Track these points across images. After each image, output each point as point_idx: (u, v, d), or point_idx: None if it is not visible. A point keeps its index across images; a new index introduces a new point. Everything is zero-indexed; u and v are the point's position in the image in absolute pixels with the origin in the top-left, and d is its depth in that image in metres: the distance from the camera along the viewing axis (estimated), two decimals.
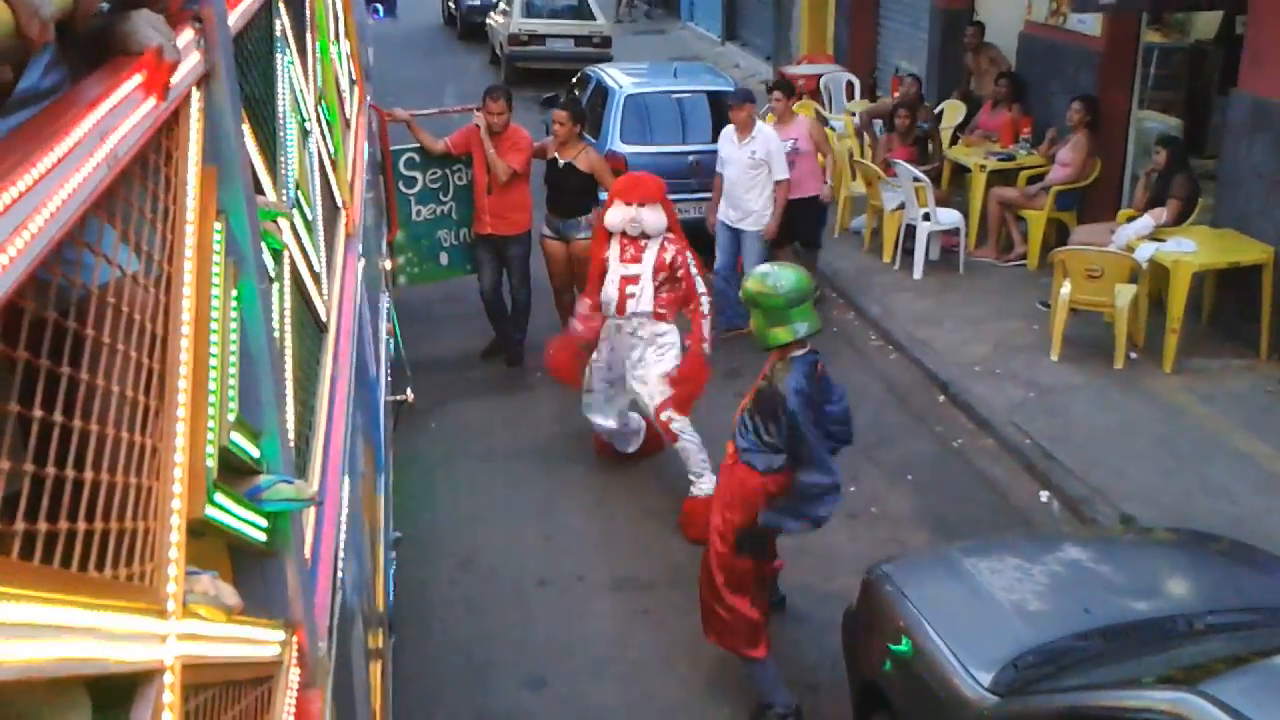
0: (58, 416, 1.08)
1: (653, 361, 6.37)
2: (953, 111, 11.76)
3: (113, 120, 1.28)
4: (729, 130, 8.42)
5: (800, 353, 4.70)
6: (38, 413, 1.03)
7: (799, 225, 8.80)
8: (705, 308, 6.27)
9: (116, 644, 1.20)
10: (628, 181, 6.55)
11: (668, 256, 6.28)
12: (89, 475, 1.16)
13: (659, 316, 6.31)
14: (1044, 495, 6.58)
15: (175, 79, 1.55)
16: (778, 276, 4.69)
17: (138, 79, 1.40)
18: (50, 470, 1.07)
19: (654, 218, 6.27)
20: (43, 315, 1.09)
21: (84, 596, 1.12)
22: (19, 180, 0.99)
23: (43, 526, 1.04)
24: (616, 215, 6.28)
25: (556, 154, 7.95)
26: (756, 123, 8.31)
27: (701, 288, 6.30)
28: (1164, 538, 5.07)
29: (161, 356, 1.45)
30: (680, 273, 6.28)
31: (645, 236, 6.27)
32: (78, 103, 1.20)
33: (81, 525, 1.13)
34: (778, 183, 8.28)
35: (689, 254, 6.33)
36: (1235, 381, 7.58)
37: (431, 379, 7.84)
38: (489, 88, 8.20)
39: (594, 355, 6.63)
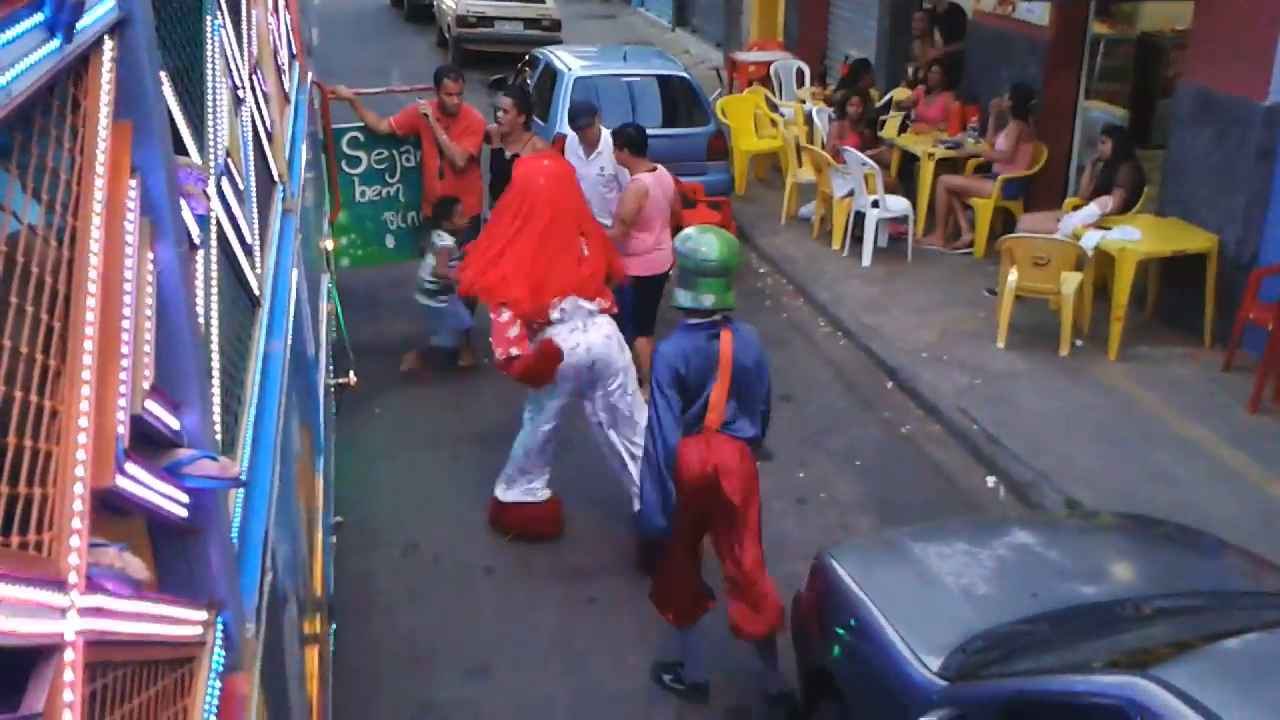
0: None
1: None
2: (901, 95, 11.77)
3: (7, 55, 1.18)
4: (575, 143, 7.66)
5: (696, 321, 4.52)
6: None
7: (642, 305, 7.25)
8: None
9: (9, 616, 1.10)
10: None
11: None
12: None
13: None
14: (990, 480, 6.60)
15: (83, 22, 1.45)
16: (700, 242, 4.50)
17: (38, 16, 1.30)
18: None
19: None
20: None
21: None
22: None
23: None
24: None
25: (503, 146, 7.79)
26: (603, 136, 7.44)
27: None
28: (1109, 522, 5.09)
29: (64, 314, 1.35)
30: None
31: None
32: None
33: None
34: None
35: None
36: (1178, 369, 7.66)
37: (376, 363, 7.71)
38: (444, 67, 8.07)
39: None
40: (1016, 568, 4.27)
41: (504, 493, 6.08)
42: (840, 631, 4.17)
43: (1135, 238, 7.85)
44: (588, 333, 5.64)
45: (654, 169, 6.99)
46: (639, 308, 7.16)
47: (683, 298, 4.51)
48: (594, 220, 6.12)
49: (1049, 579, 4.12)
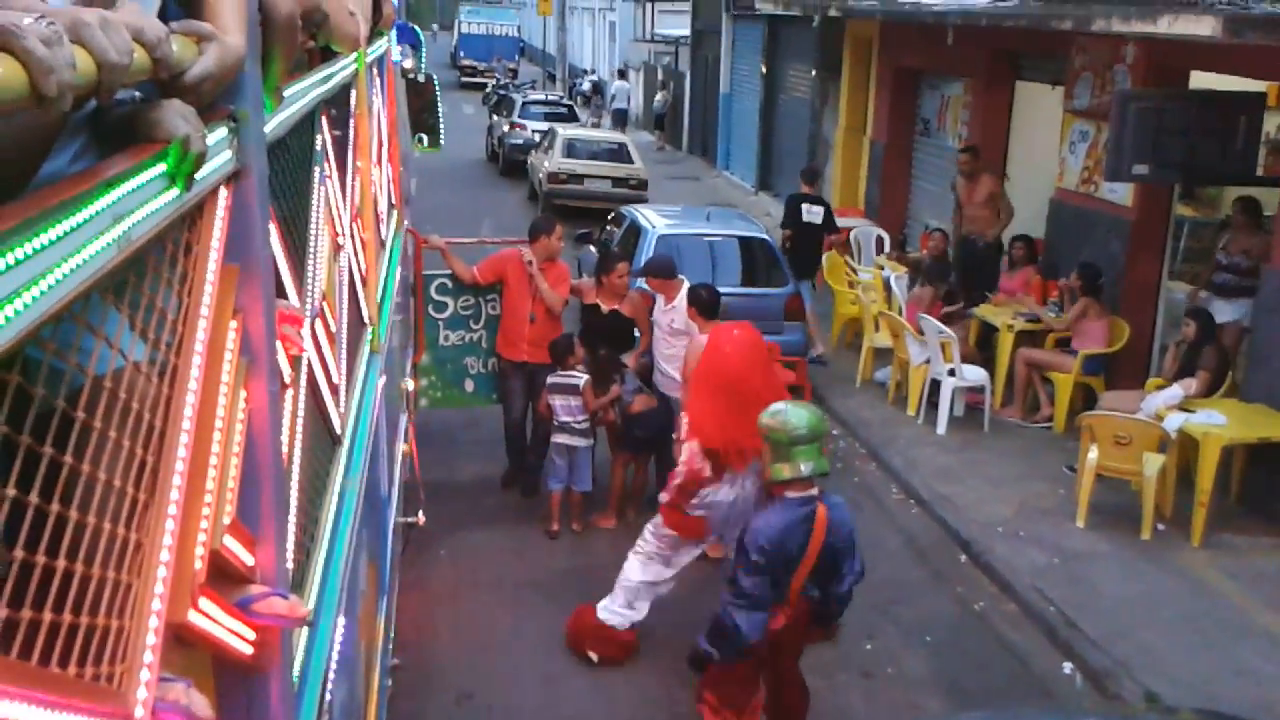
0: (33, 498, 1.02)
1: None
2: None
3: (129, 203, 1.26)
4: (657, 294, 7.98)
5: (797, 495, 4.70)
6: (11, 491, 0.98)
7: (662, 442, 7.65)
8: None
9: None
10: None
11: None
12: (61, 564, 1.09)
13: None
14: (1067, 666, 6.35)
15: (201, 173, 1.54)
16: (789, 413, 4.75)
17: (161, 166, 1.39)
18: (19, 554, 1.01)
19: None
20: (30, 392, 1.05)
21: (42, 693, 1.04)
22: (16, 248, 0.96)
23: (3, 613, 0.98)
24: None
25: (599, 301, 8.01)
26: (682, 290, 7.54)
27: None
28: (1189, 719, 4.86)
29: (158, 450, 1.40)
30: None
31: None
32: (93, 180, 1.18)
33: (47, 616, 1.06)
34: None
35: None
36: (1265, 559, 7.39)
37: (446, 504, 7.74)
38: (548, 218, 8.38)
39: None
40: None
41: (602, 610, 6.20)
42: None
43: (1220, 422, 7.69)
44: (744, 488, 5.78)
45: None
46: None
47: (783, 471, 4.68)
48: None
49: None
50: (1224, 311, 8.98)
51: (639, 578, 6.12)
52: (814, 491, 4.74)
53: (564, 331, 8.06)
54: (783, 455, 4.67)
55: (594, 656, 6.18)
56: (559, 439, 7.63)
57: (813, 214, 12.47)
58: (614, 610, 6.17)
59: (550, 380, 7.66)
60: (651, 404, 7.69)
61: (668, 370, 7.58)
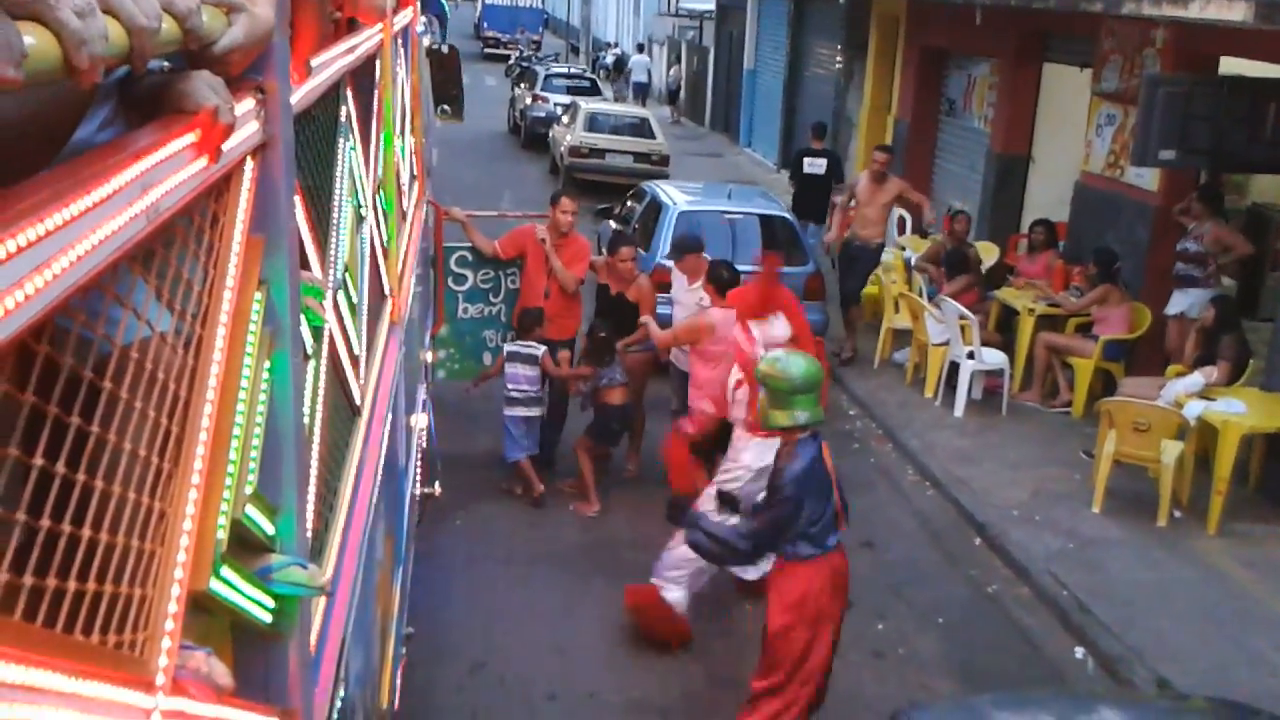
0: (60, 468, 1.03)
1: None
2: (987, 254, 11.73)
3: (158, 174, 1.26)
4: (676, 271, 7.95)
5: (804, 439, 4.83)
6: (38, 461, 0.99)
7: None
8: None
9: (97, 716, 1.13)
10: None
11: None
12: (87, 533, 1.11)
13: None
14: (1079, 651, 6.35)
15: (229, 144, 1.54)
16: (788, 362, 4.87)
17: (190, 137, 1.39)
18: (46, 523, 1.02)
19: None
20: (58, 361, 1.05)
21: (67, 660, 1.06)
22: (46, 219, 0.96)
23: (29, 581, 0.99)
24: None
25: (609, 283, 7.99)
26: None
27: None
28: (1201, 706, 4.86)
29: (182, 420, 1.41)
30: None
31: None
32: (123, 151, 1.19)
33: (73, 585, 1.08)
34: None
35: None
36: None
37: (461, 475, 7.77)
38: (556, 191, 8.35)
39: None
40: None
41: (660, 575, 6.07)
42: None
43: (1240, 410, 7.64)
44: (765, 458, 5.68)
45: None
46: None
47: (780, 418, 4.80)
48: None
49: None
50: (1176, 303, 9.00)
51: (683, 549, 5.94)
52: (816, 433, 4.90)
53: (579, 307, 8.07)
54: (781, 403, 4.79)
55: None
56: (517, 411, 7.70)
57: (814, 166, 13.43)
58: (666, 576, 6.03)
59: (509, 349, 7.73)
60: (626, 399, 7.67)
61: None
